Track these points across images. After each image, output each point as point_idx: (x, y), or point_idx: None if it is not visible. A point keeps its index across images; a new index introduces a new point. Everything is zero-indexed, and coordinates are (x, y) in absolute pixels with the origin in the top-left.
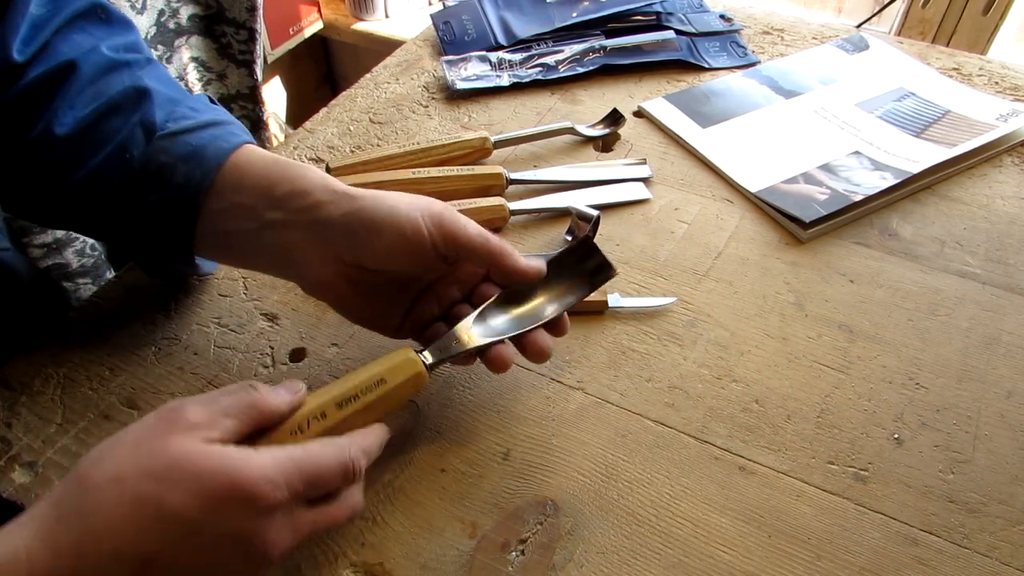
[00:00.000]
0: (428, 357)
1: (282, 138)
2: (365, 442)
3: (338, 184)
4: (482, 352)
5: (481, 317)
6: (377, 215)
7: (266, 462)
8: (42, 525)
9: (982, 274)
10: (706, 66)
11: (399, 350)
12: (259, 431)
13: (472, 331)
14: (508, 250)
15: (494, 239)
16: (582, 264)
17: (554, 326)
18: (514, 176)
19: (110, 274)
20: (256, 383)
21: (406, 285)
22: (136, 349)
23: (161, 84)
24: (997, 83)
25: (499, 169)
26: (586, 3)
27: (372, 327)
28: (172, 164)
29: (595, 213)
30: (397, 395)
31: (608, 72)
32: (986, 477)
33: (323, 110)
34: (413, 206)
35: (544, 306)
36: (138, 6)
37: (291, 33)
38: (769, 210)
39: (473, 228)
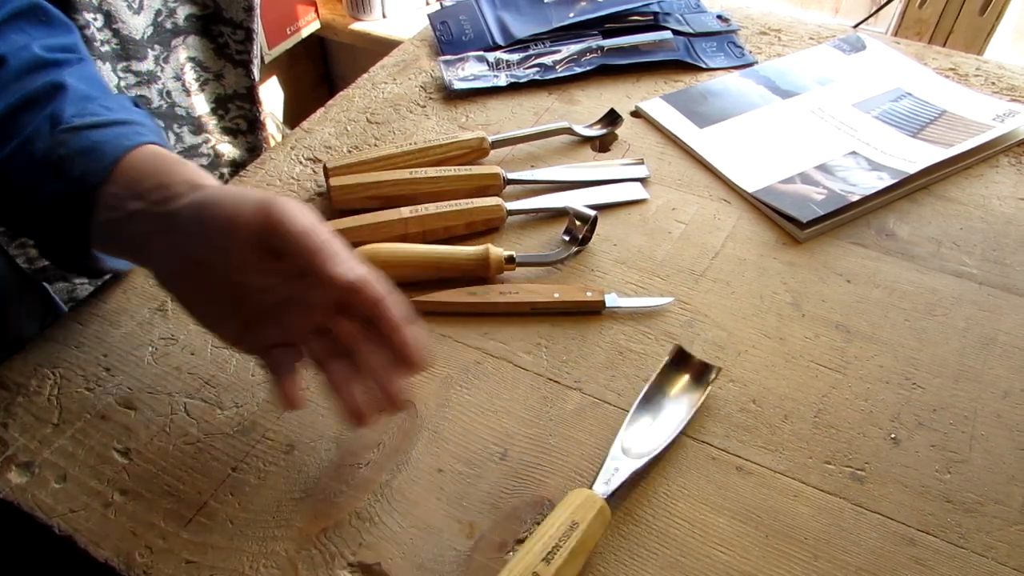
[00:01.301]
0: (601, 489)
1: (279, 138)
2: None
3: (208, 179)
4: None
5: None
6: (211, 199)
7: None
8: None
9: (978, 274)
10: (703, 66)
11: (575, 491)
12: None
13: (621, 459)
14: (330, 250)
15: (323, 235)
16: (679, 368)
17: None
18: (512, 176)
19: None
20: None
21: (241, 293)
22: (133, 349)
23: (82, 82)
24: (994, 83)
25: (496, 169)
26: (583, 3)
27: (212, 331)
28: (70, 157)
29: (592, 213)
30: (592, 535)
31: (605, 72)
32: (983, 477)
33: (320, 110)
34: (251, 194)
35: (671, 411)
36: (135, 6)
37: (288, 33)
38: (766, 210)
39: (304, 219)
